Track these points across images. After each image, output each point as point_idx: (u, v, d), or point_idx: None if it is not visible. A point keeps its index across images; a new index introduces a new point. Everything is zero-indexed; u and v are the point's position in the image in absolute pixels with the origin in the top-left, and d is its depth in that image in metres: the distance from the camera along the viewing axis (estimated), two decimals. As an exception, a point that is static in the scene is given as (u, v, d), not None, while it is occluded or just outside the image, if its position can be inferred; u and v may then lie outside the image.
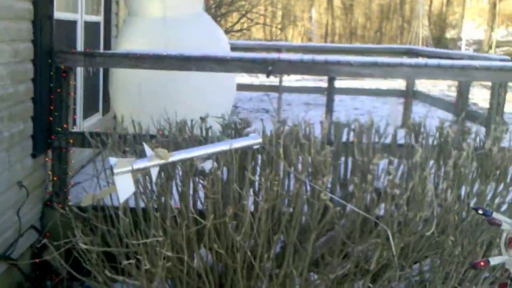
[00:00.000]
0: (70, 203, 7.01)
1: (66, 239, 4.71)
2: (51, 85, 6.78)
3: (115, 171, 3.75)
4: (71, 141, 6.93)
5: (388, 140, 5.50)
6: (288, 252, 4.01)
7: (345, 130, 5.80)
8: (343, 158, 5.36)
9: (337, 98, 15.66)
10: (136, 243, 3.85)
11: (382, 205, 4.22)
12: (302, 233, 4.11)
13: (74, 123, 8.03)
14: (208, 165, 4.02)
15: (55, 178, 6.95)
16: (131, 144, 5.36)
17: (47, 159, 6.95)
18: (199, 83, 8.44)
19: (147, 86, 8.57)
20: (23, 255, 6.45)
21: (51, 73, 6.76)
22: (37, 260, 6.26)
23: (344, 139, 5.52)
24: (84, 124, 8.37)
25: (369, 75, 7.21)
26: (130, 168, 3.77)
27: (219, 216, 3.84)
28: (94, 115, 8.98)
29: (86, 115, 8.51)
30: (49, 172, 6.97)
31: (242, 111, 14.63)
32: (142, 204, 4.19)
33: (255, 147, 4.11)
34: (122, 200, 3.73)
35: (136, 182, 3.88)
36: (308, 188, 4.15)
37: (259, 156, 4.48)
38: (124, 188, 3.75)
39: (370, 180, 3.97)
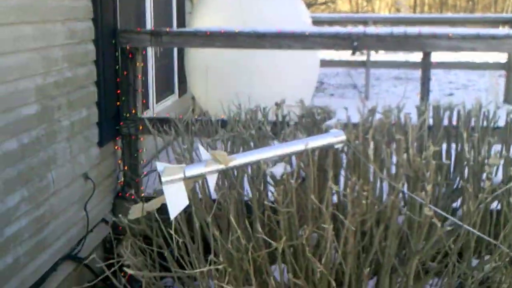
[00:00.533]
0: (143, 194, 6.35)
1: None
2: (117, 67, 6.07)
3: (163, 179, 2.95)
4: (141, 127, 6.22)
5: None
6: (382, 279, 3.11)
7: (447, 114, 4.80)
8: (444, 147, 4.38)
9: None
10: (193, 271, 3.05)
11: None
12: (400, 257, 3.22)
13: (147, 107, 7.33)
14: (278, 170, 3.16)
15: (125, 168, 6.26)
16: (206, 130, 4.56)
17: (116, 147, 6.27)
18: (280, 61, 7.56)
19: (225, 66, 7.78)
20: (95, 250, 5.82)
21: (116, 54, 6.03)
22: (109, 256, 5.62)
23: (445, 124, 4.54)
24: (158, 108, 7.62)
25: (471, 49, 6.09)
26: (181, 175, 2.95)
27: (294, 235, 2.98)
28: (169, 97, 8.20)
29: (159, 98, 7.75)
30: (119, 161, 6.29)
31: (327, 87, 13.61)
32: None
33: (337, 146, 3.21)
34: (173, 215, 2.92)
35: (191, 192, 3.05)
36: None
37: (343, 156, 3.59)
38: (175, 200, 2.94)
39: (489, 189, 3.01)
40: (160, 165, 2.98)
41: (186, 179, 2.99)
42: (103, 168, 5.93)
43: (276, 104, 4.85)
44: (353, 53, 6.29)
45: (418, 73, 14.61)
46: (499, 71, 11.95)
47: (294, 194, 2.97)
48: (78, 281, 5.38)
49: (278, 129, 4.81)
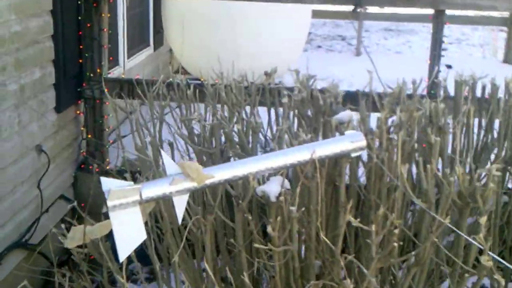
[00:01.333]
0: (108, 166, 5.39)
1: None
2: (79, 18, 5.02)
3: (109, 203, 2.01)
4: (107, 90, 5.21)
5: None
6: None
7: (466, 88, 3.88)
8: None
9: (420, 24, 13.30)
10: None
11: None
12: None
13: (117, 63, 6.29)
14: (273, 188, 2.21)
15: (89, 136, 5.29)
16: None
17: (78, 112, 5.27)
18: (269, 10, 6.54)
19: (209, 13, 6.74)
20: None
21: (79, 2, 4.98)
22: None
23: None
24: (130, 63, 6.55)
25: (491, 8, 5.16)
26: (136, 197, 2.01)
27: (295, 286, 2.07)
28: (142, 50, 7.10)
29: (132, 52, 6.68)
30: (82, 129, 5.30)
31: (314, 38, 12.49)
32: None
33: (354, 154, 2.26)
34: (123, 256, 1.99)
35: (148, 219, 2.11)
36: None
37: (360, 164, 2.65)
38: (127, 233, 2.01)
39: None
40: (104, 182, 2.02)
41: (143, 202, 2.05)
42: (61, 138, 4.95)
43: (266, 73, 3.88)
44: (355, 10, 5.37)
45: (409, 25, 13.56)
46: (497, 26, 10.92)
47: (294, 224, 2.05)
48: (31, 271, 4.46)
49: (268, 100, 3.86)
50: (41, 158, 4.59)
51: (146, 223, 2.13)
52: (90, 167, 5.17)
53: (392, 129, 2.59)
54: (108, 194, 1.98)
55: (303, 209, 2.19)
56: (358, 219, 2.12)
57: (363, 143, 2.26)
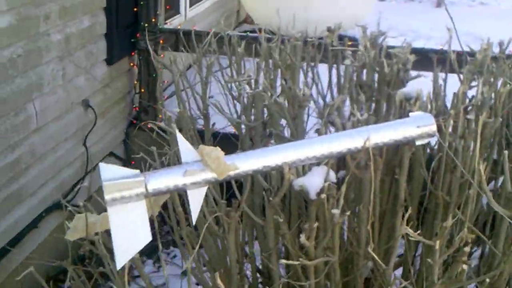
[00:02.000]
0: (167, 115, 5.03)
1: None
2: (134, -38, 4.62)
3: (107, 197, 1.62)
4: (161, 41, 4.83)
5: None
6: None
7: None
8: None
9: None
10: None
11: None
12: None
13: (177, 11, 5.88)
14: (315, 182, 1.77)
15: (142, 90, 4.95)
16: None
17: (132, 64, 4.92)
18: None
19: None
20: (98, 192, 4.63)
21: None
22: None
23: None
24: (192, 12, 6.13)
25: None
26: (141, 189, 1.62)
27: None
28: (206, -2, 6.68)
29: (194, 0, 6.25)
30: (135, 82, 4.96)
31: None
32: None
33: (420, 142, 1.77)
34: (121, 262, 1.61)
35: (154, 217, 1.72)
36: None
37: (429, 156, 2.15)
38: (127, 233, 1.63)
39: None
40: (104, 170, 1.64)
41: (149, 195, 1.65)
42: (112, 92, 4.62)
43: (329, 29, 3.37)
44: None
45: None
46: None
47: (337, 231, 1.61)
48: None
49: (329, 59, 3.36)
50: (88, 113, 4.28)
51: (155, 218, 1.74)
52: (143, 123, 4.86)
53: (470, 108, 2.09)
54: (105, 182, 1.60)
55: (347, 213, 1.74)
56: (420, 226, 1.66)
57: (433, 128, 1.78)
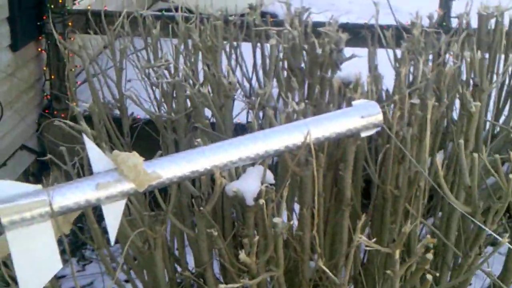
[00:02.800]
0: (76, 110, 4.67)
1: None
2: None
3: (3, 220, 1.33)
4: (70, 23, 4.45)
5: None
6: None
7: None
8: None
9: None
10: None
11: None
12: None
13: (87, -9, 5.45)
14: (251, 186, 1.51)
15: (53, 77, 4.55)
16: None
17: (40, 49, 4.51)
18: None
19: None
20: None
21: None
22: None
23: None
24: (102, -9, 5.73)
25: None
26: (44, 209, 1.34)
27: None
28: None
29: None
30: (44, 69, 4.56)
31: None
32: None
33: (365, 133, 1.55)
34: (23, 292, 1.33)
35: (61, 237, 1.44)
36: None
37: (373, 147, 1.93)
38: (32, 260, 1.35)
39: None
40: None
41: (56, 215, 1.37)
42: (19, 80, 4.22)
43: (250, 6, 3.12)
44: None
45: None
46: None
47: (279, 243, 1.38)
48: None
49: (253, 39, 3.10)
50: (-7, 106, 3.88)
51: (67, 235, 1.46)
52: (55, 112, 4.48)
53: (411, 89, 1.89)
54: (0, 207, 1.30)
55: (292, 221, 1.51)
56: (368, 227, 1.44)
57: (379, 118, 1.56)
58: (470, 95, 1.77)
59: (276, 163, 1.84)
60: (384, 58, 2.89)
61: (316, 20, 3.01)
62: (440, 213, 2.16)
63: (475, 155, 1.60)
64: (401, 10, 4.24)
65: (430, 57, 2.68)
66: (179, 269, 2.05)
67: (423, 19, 2.90)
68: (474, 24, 3.19)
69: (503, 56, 2.98)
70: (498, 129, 2.78)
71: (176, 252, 2.06)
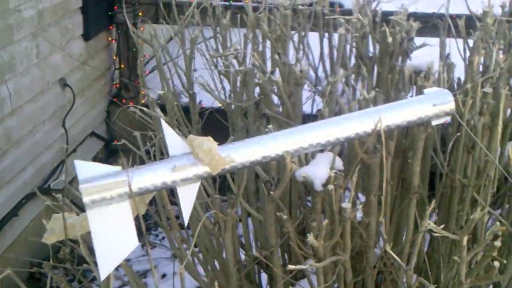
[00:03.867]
0: (144, 100, 4.80)
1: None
2: None
3: (85, 199, 1.41)
4: (141, 13, 4.57)
5: None
6: None
7: None
8: None
9: None
10: None
11: None
12: None
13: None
14: (320, 172, 1.56)
15: (122, 66, 4.69)
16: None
17: (110, 39, 4.66)
18: None
19: None
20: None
21: None
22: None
23: None
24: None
25: None
26: (123, 189, 1.41)
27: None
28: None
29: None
30: (115, 58, 4.70)
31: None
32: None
33: (436, 122, 1.57)
34: (104, 274, 1.41)
35: (146, 207, 1.51)
36: None
37: (446, 137, 1.94)
38: (110, 239, 1.43)
39: None
40: (80, 167, 1.42)
41: (134, 195, 1.44)
42: (90, 69, 4.37)
43: None
44: None
45: None
46: None
47: (347, 228, 1.41)
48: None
49: (320, 28, 3.13)
50: (66, 93, 4.04)
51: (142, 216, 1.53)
52: (124, 100, 4.62)
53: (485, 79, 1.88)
54: (82, 188, 1.38)
55: (359, 206, 1.54)
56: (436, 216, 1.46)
57: (451, 106, 1.57)
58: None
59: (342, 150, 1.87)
60: (454, 48, 2.86)
61: (385, 9, 3.02)
62: (507, 205, 2.15)
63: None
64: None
65: (502, 46, 2.65)
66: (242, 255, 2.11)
67: (495, 8, 2.86)
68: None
69: None
70: None
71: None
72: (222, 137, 1.77)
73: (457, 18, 2.87)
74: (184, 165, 1.42)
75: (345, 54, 2.65)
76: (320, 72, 3.21)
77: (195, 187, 1.45)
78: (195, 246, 1.84)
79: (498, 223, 1.42)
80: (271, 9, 3.04)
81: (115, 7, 4.47)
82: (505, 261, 1.66)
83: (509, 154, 1.53)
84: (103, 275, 1.40)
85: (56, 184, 3.79)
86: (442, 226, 1.43)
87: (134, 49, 4.56)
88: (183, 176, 1.44)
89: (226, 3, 4.05)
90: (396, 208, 1.90)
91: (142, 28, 4.56)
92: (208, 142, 1.44)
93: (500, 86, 1.75)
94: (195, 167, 1.44)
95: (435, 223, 1.73)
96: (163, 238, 4.19)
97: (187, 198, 1.45)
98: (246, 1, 3.40)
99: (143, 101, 4.63)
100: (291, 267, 1.41)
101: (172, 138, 1.46)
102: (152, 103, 2.26)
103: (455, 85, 2.15)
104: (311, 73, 3.26)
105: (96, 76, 4.45)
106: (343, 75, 1.97)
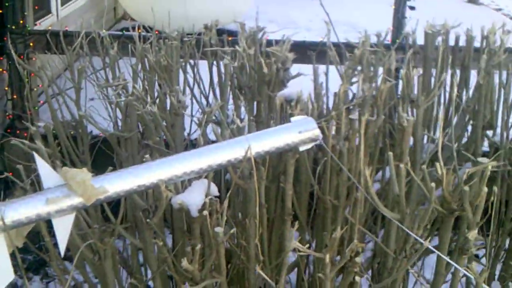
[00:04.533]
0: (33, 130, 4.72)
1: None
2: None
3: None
4: (31, 44, 4.52)
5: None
6: None
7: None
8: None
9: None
10: None
11: None
12: None
13: (49, 11, 5.55)
14: (194, 197, 1.63)
15: (15, 97, 4.61)
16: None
17: (1, 70, 4.57)
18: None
19: None
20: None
21: None
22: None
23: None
24: (65, 11, 5.79)
25: None
26: (-3, 223, 1.43)
27: None
28: (80, -5, 6.34)
29: (66, -3, 5.89)
30: (6, 88, 4.61)
31: None
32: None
33: (303, 147, 1.68)
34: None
35: (14, 248, 1.52)
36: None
37: (314, 158, 2.05)
38: (-14, 274, 1.43)
39: None
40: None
41: (8, 228, 1.46)
42: (-19, 100, 4.28)
43: (206, 27, 3.24)
44: None
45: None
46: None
47: (221, 251, 1.48)
48: None
49: (209, 57, 3.22)
50: (-46, 126, 3.93)
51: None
52: (18, 131, 4.54)
53: (352, 107, 2.02)
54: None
55: (232, 230, 1.62)
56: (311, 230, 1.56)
57: (315, 133, 1.69)
58: (404, 110, 1.92)
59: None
60: (336, 73, 3.02)
61: (273, 38, 3.15)
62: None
63: (402, 165, 1.74)
64: (358, 26, 4.40)
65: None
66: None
67: (371, 37, 3.04)
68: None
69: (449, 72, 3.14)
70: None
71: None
72: (113, 165, 1.80)
73: (336, 47, 3.03)
74: (57, 197, 1.46)
75: (233, 83, 2.74)
76: (211, 99, 3.30)
77: (70, 218, 1.49)
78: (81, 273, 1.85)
79: (356, 241, 1.52)
80: (160, 39, 3.10)
81: (5, 38, 4.40)
82: (367, 275, 1.77)
83: (366, 176, 1.65)
84: (-24, 310, 1.40)
85: None
86: (307, 246, 1.52)
87: (25, 80, 4.50)
88: (58, 208, 1.47)
89: (117, 33, 4.09)
90: (276, 230, 1.99)
91: (34, 58, 4.53)
92: (82, 173, 1.47)
93: (363, 113, 1.88)
94: (69, 198, 1.47)
95: (309, 242, 1.83)
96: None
97: (63, 229, 1.48)
98: (139, 30, 3.45)
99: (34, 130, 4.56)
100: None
101: (45, 170, 1.49)
102: (36, 135, 2.26)
103: (326, 113, 2.28)
104: (203, 100, 3.34)
105: (-14, 107, 4.36)
106: (218, 106, 2.06)
